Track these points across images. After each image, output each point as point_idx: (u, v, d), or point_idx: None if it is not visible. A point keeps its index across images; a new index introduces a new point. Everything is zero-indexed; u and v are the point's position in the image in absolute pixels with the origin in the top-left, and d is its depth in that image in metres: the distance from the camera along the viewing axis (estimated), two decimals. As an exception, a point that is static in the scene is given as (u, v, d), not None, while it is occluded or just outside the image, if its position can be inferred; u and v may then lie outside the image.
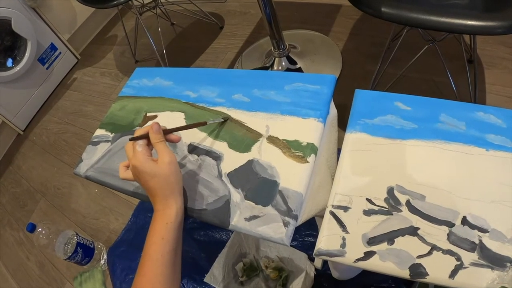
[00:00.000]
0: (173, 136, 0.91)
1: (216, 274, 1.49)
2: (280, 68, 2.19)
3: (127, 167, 0.88)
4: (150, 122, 1.13)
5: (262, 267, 1.46)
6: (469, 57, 1.83)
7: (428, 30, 1.53)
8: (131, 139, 0.86)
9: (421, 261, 0.73)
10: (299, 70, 2.16)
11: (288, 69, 2.18)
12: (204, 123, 0.96)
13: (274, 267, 1.44)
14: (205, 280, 1.48)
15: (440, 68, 1.78)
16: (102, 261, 1.83)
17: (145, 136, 0.85)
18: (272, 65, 2.23)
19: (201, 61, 2.67)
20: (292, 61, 2.20)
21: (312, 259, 1.42)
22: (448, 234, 0.75)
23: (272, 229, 0.79)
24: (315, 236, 1.44)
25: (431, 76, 1.87)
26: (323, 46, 2.27)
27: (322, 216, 0.89)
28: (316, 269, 1.37)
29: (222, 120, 1.00)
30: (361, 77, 2.01)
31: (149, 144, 0.86)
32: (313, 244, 1.43)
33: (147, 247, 0.81)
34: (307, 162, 0.84)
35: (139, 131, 0.86)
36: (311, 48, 2.27)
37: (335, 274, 1.21)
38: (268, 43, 2.25)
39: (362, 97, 0.99)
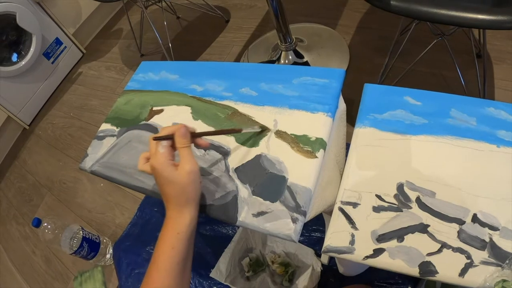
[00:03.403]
0: (202, 141, 0.86)
1: (222, 269, 1.48)
2: (287, 61, 2.18)
3: (148, 159, 0.83)
4: (156, 117, 1.12)
5: (268, 262, 1.46)
6: (477, 51, 1.81)
7: (437, 24, 1.52)
8: (155, 139, 0.81)
9: (431, 259, 0.72)
10: (306, 64, 2.14)
11: (295, 63, 2.17)
12: (239, 131, 0.91)
13: (280, 262, 1.43)
14: (211, 275, 1.47)
15: (449, 62, 1.77)
16: (108, 256, 1.83)
17: (170, 137, 0.81)
18: (278, 59, 2.21)
19: (207, 54, 2.67)
20: (299, 55, 2.19)
21: (318, 255, 1.41)
22: (458, 232, 0.74)
23: (280, 225, 0.78)
24: (322, 232, 1.44)
25: (440, 70, 1.86)
26: (330, 39, 2.26)
27: (329, 212, 0.88)
28: (322, 265, 1.36)
29: (259, 130, 0.94)
30: (369, 70, 1.99)
31: (173, 145, 0.82)
32: (319, 240, 1.44)
33: (156, 256, 0.78)
34: (316, 157, 0.83)
35: (164, 130, 0.82)
36: (318, 41, 2.26)
37: (342, 270, 1.21)
38: (274, 36, 2.23)
39: (371, 92, 0.98)
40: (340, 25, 2.33)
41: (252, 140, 0.92)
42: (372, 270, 0.80)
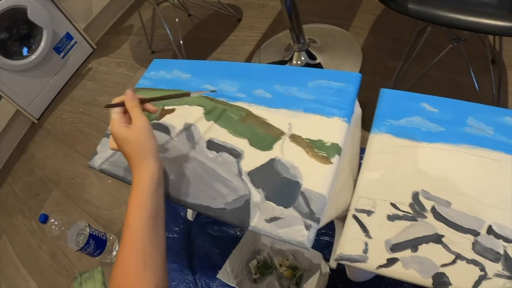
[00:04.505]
0: (149, 106, 0.92)
1: (229, 271, 1.47)
2: (299, 62, 2.16)
3: None
4: (167, 116, 1.11)
5: (276, 265, 1.44)
6: (492, 57, 1.78)
7: (453, 29, 1.50)
8: (106, 106, 0.89)
9: (445, 270, 0.72)
10: (319, 65, 2.12)
11: (307, 64, 2.15)
12: (187, 94, 0.94)
13: (288, 265, 1.42)
14: (218, 276, 1.47)
15: (463, 68, 1.75)
16: (114, 253, 1.82)
17: (121, 104, 0.87)
18: (291, 59, 2.19)
19: (218, 53, 2.65)
20: (311, 56, 2.17)
21: (327, 259, 1.39)
22: (473, 243, 0.73)
23: (293, 232, 0.77)
24: (331, 236, 1.42)
25: (453, 75, 1.83)
26: (343, 41, 2.24)
27: (340, 218, 0.87)
28: (330, 269, 1.35)
29: (209, 91, 1.01)
30: (382, 74, 1.97)
31: (127, 112, 0.87)
32: (328, 243, 1.42)
33: (126, 216, 0.80)
34: (331, 163, 0.82)
35: (115, 99, 0.89)
36: (331, 43, 2.24)
37: (350, 274, 1.20)
38: (286, 37, 2.21)
39: (388, 97, 0.97)
40: (353, 26, 2.30)
41: (266, 143, 0.91)
42: (380, 276, 0.79)
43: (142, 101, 0.89)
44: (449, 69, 1.85)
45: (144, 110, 0.90)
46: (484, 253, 0.71)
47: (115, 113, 0.86)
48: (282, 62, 2.22)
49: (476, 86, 1.61)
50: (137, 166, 0.83)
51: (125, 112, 0.88)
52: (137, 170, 0.83)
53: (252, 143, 0.93)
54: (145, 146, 0.83)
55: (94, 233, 1.73)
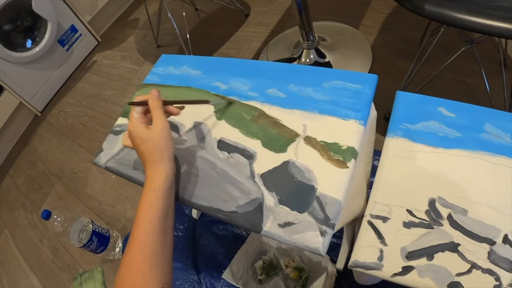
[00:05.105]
0: (172, 108, 0.93)
1: (234, 271, 1.46)
2: (308, 60, 2.13)
3: None
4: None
5: (282, 266, 1.43)
6: (504, 59, 1.76)
7: (467, 31, 1.48)
8: (129, 103, 0.88)
9: (460, 279, 0.70)
10: (328, 64, 2.10)
11: (316, 62, 2.12)
12: (207, 102, 0.99)
13: (294, 266, 1.41)
14: (223, 276, 1.46)
15: (474, 70, 1.73)
16: (117, 250, 1.81)
17: (145, 103, 0.87)
18: (299, 57, 2.17)
19: (225, 49, 2.63)
20: (320, 54, 2.15)
21: (334, 261, 1.38)
22: (488, 252, 0.72)
23: (307, 237, 0.75)
24: (338, 237, 1.41)
25: (464, 77, 1.81)
26: (353, 40, 2.21)
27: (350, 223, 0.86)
28: (337, 271, 1.34)
29: (227, 103, 1.02)
30: (392, 74, 1.95)
31: (148, 113, 0.88)
32: (335, 245, 1.41)
33: (137, 214, 0.81)
34: (347, 167, 0.80)
35: (139, 97, 0.89)
36: (340, 41, 2.21)
37: (357, 278, 1.18)
38: (294, 34, 2.19)
39: (404, 100, 0.95)
40: (362, 25, 2.28)
41: (279, 145, 0.89)
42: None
43: (165, 103, 0.89)
44: (459, 72, 1.83)
45: (166, 112, 0.90)
46: (500, 263, 0.70)
47: (137, 112, 0.86)
48: (291, 60, 2.20)
49: (488, 89, 1.59)
50: (152, 167, 0.83)
51: (146, 112, 0.89)
52: (151, 170, 0.83)
53: (265, 144, 0.91)
54: (163, 148, 0.83)
55: (97, 230, 1.71)
